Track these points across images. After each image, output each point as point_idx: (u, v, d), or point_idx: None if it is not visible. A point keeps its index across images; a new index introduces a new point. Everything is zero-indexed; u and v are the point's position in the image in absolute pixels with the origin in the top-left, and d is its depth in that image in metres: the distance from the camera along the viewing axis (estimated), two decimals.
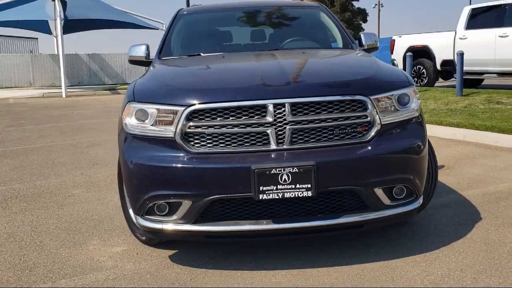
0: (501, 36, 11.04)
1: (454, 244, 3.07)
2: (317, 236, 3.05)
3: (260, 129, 2.64)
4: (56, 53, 27.56)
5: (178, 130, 2.67)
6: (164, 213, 2.76)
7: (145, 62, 4.01)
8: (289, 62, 3.20)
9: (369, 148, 2.69)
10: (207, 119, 2.66)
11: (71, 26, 24.18)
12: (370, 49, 4.14)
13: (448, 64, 12.67)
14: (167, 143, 2.71)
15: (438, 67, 12.98)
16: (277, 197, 2.56)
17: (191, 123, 2.66)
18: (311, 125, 2.65)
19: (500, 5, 11.41)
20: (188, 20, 4.37)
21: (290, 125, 2.63)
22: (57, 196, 4.56)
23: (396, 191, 2.80)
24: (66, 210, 4.12)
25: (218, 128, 2.65)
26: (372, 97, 2.71)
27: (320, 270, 2.78)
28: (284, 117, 2.62)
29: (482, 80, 13.54)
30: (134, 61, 4.09)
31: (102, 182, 5.04)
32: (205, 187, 2.62)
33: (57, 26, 20.65)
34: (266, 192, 2.55)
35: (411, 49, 13.24)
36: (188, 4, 21.92)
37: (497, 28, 11.18)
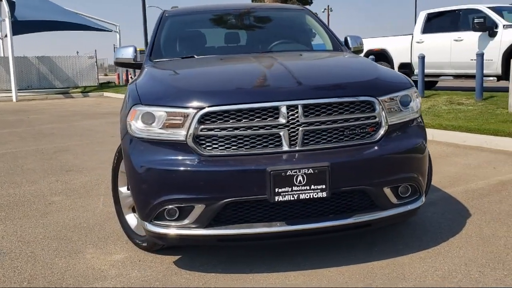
0: (456, 40, 11.53)
1: (452, 240, 3.18)
2: (327, 236, 3.07)
3: (273, 131, 2.63)
4: (1, 55, 26.38)
5: (190, 133, 2.62)
6: (174, 217, 2.71)
7: (133, 64, 3.91)
8: (292, 64, 3.21)
9: (379, 148, 2.74)
10: (219, 121, 2.62)
11: (19, 27, 23.19)
12: (356, 52, 4.22)
13: (405, 67, 13.09)
14: (177, 146, 2.66)
15: (396, 69, 13.38)
16: (293, 198, 2.56)
17: (203, 126, 2.62)
18: (322, 126, 2.68)
19: (454, 10, 11.92)
20: (175, 22, 4.29)
21: (303, 126, 2.64)
22: (37, 204, 4.37)
23: (402, 190, 2.87)
24: (50, 218, 3.95)
25: (231, 131, 2.62)
26: (380, 98, 2.77)
27: (331, 270, 2.81)
28: (297, 119, 2.63)
29: (436, 82, 14.08)
30: (121, 63, 3.98)
31: (81, 189, 4.87)
32: (219, 190, 2.59)
33: (6, 27, 19.75)
34: (282, 193, 2.55)
35: (369, 52, 13.58)
36: (144, 6, 21.55)
37: (452, 32, 11.66)
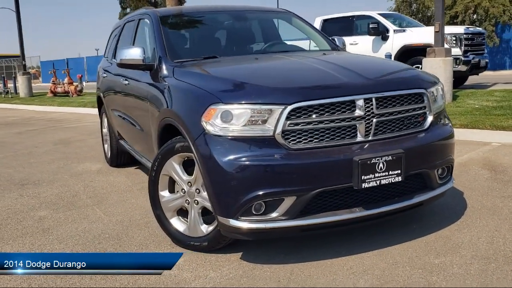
0: (352, 44, 12.61)
1: (467, 213, 3.64)
2: (392, 218, 3.32)
3: (351, 123, 2.83)
4: None
5: (278, 129, 2.70)
6: (261, 212, 2.76)
7: (143, 66, 3.77)
8: (342, 62, 3.41)
9: (430, 135, 3.09)
10: (303, 116, 2.75)
11: None
12: None
13: None
14: (264, 142, 2.72)
15: None
16: (375, 184, 2.78)
17: (290, 121, 2.72)
18: (389, 117, 2.94)
19: (348, 17, 13.05)
20: (178, 23, 4.21)
21: (376, 118, 2.88)
22: (26, 221, 3.98)
23: (440, 171, 3.25)
24: (58, 233, 3.64)
25: (315, 124, 2.76)
26: (428, 90, 3.12)
27: (396, 248, 3.08)
28: (371, 111, 2.86)
29: None
30: (128, 65, 3.80)
31: (61, 201, 4.51)
32: (310, 181, 2.72)
33: None
34: (367, 180, 2.76)
35: None
36: (18, 9, 19.77)
37: (348, 37, 12.70)
